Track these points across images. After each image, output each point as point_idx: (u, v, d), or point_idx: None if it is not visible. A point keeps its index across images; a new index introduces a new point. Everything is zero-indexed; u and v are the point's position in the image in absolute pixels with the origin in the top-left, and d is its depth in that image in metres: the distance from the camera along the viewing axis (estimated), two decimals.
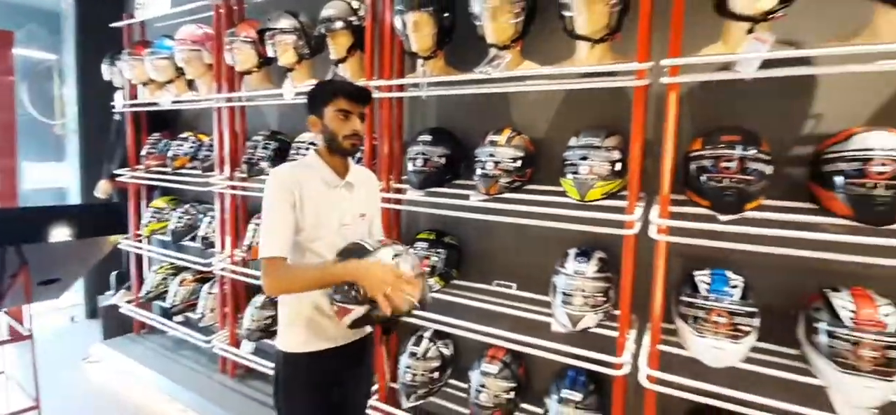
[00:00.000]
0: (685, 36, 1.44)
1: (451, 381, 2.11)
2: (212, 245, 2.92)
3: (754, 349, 1.46)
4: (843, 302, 1.29)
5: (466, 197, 1.81)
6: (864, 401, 1.23)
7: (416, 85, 1.94)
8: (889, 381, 1.20)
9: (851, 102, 1.47)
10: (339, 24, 2.04)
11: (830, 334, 1.27)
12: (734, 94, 1.60)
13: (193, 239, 3.09)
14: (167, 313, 3.13)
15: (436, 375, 2.02)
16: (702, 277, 1.48)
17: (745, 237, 1.39)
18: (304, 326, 1.42)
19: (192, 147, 3.02)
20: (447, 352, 2.10)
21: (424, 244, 2.04)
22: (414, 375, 1.99)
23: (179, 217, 3.14)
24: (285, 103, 2.37)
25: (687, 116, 1.65)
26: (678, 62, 1.41)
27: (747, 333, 1.39)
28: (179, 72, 2.88)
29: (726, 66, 1.40)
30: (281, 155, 2.44)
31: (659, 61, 1.44)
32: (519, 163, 1.75)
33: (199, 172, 2.95)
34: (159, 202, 3.36)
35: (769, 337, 1.49)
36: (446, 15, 1.81)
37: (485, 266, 2.13)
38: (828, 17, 1.43)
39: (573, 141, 1.65)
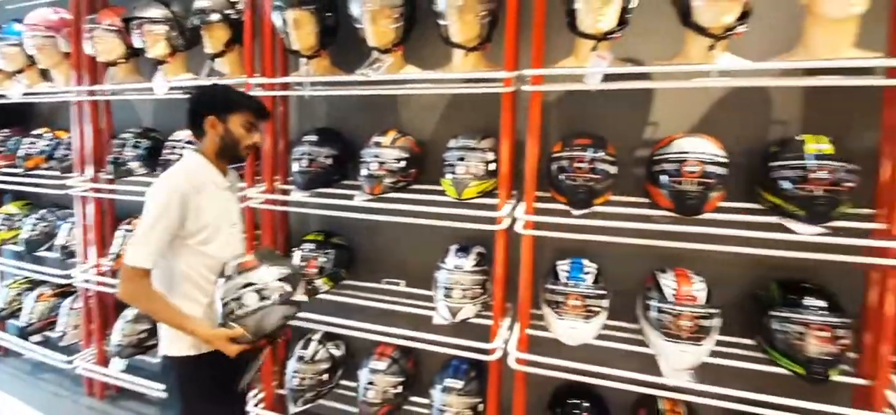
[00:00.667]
0: (550, 48, 1.61)
1: (344, 382, 2.12)
2: (72, 255, 2.61)
3: (608, 327, 1.67)
4: (667, 281, 1.53)
5: (352, 197, 1.83)
6: (683, 363, 1.47)
7: (300, 84, 1.92)
8: (700, 345, 1.45)
9: (680, 113, 1.74)
10: (215, 17, 1.95)
11: (658, 310, 1.50)
12: (593, 103, 1.80)
13: (51, 249, 2.73)
14: (23, 333, 2.73)
15: (325, 377, 2.01)
16: (562, 266, 1.66)
17: (599, 229, 1.58)
18: None
19: (48, 145, 2.67)
20: (338, 353, 2.10)
21: (312, 246, 2.02)
22: (302, 379, 1.96)
23: (34, 224, 2.76)
24: (160, 99, 2.20)
25: (556, 120, 1.83)
26: (538, 72, 1.56)
27: (597, 313, 1.59)
28: (31, 61, 2.54)
29: (578, 78, 1.58)
30: (153, 155, 2.26)
31: (523, 71, 1.58)
32: (403, 163, 1.81)
33: (57, 173, 2.62)
34: (9, 208, 2.93)
35: (621, 315, 1.71)
36: (329, 14, 1.81)
37: (374, 265, 2.17)
38: (662, 39, 1.66)
39: (452, 143, 1.75)
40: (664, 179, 1.48)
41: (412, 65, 1.82)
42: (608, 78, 1.51)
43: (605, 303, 1.61)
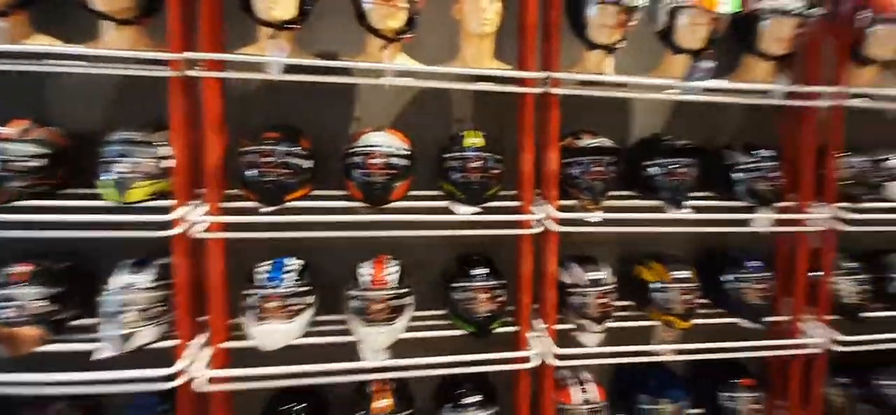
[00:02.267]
0: (232, 32, 1.46)
1: None
2: None
3: (319, 323, 1.65)
4: (365, 269, 1.59)
5: None
6: (379, 344, 1.55)
7: None
8: (392, 325, 1.56)
9: (380, 109, 1.84)
10: None
11: (356, 297, 1.55)
12: (292, 97, 1.74)
13: None
14: None
15: None
16: (261, 268, 1.55)
17: (298, 226, 1.53)
18: None
19: None
20: None
21: None
22: None
23: None
24: None
25: (256, 115, 1.70)
26: (213, 57, 1.40)
27: (302, 310, 1.54)
28: None
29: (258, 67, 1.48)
30: None
31: (193, 54, 1.40)
32: (41, 162, 1.40)
33: None
34: None
35: (332, 309, 1.71)
36: None
37: None
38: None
39: (111, 136, 1.43)
40: (355, 172, 1.54)
41: (45, 35, 1.42)
42: (291, 70, 1.46)
43: (310, 299, 1.58)
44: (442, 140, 1.71)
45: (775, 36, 1.73)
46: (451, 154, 1.62)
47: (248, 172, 1.45)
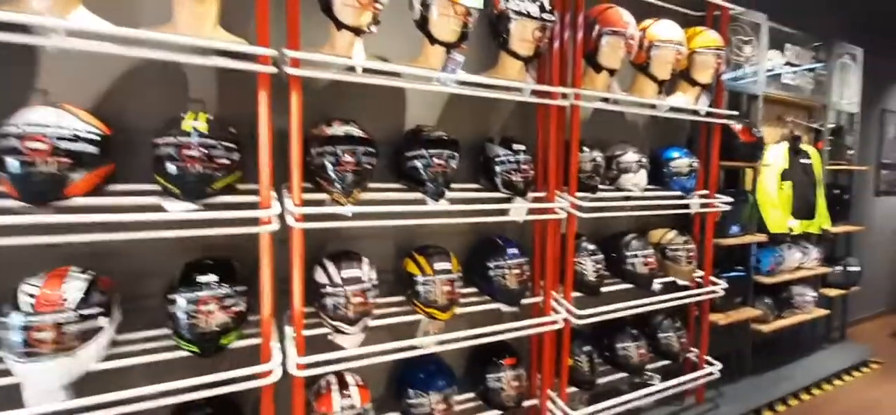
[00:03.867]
0: None
1: None
2: None
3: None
4: (29, 289, 1.22)
5: None
6: (53, 383, 1.20)
7: None
8: (72, 355, 1.22)
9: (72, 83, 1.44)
10: None
11: (9, 327, 1.17)
12: None
13: None
14: None
15: None
16: None
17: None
18: None
19: None
20: None
21: None
22: None
23: None
24: None
25: None
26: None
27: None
28: None
29: None
30: None
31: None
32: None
33: None
34: None
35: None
36: None
37: None
38: None
39: None
40: (8, 158, 1.15)
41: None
42: None
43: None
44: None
45: (521, 36, 1.84)
46: (165, 140, 1.33)
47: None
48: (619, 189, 2.42)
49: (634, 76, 2.40)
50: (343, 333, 1.61)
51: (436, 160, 1.75)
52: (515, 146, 1.96)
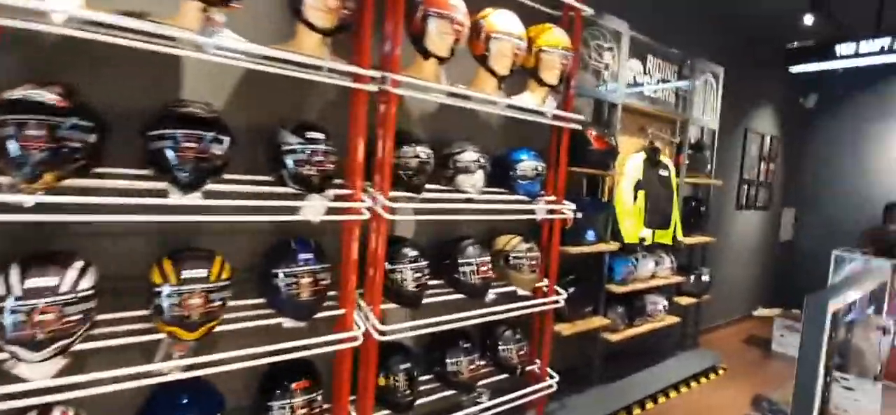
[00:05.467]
0: None
1: None
2: None
3: None
4: None
5: None
6: None
7: None
8: None
9: None
10: None
11: None
12: None
13: None
14: None
15: None
16: None
17: None
18: None
19: None
20: None
21: None
22: None
23: None
24: None
25: None
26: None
27: None
28: None
29: None
30: None
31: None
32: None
33: None
34: None
35: None
36: None
37: None
38: None
39: None
40: None
41: None
42: None
43: None
44: None
45: (315, 4, 1.56)
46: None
47: None
48: (456, 190, 2.22)
49: (476, 70, 2.20)
50: (25, 360, 1.23)
51: (186, 144, 1.40)
52: (311, 134, 1.66)
